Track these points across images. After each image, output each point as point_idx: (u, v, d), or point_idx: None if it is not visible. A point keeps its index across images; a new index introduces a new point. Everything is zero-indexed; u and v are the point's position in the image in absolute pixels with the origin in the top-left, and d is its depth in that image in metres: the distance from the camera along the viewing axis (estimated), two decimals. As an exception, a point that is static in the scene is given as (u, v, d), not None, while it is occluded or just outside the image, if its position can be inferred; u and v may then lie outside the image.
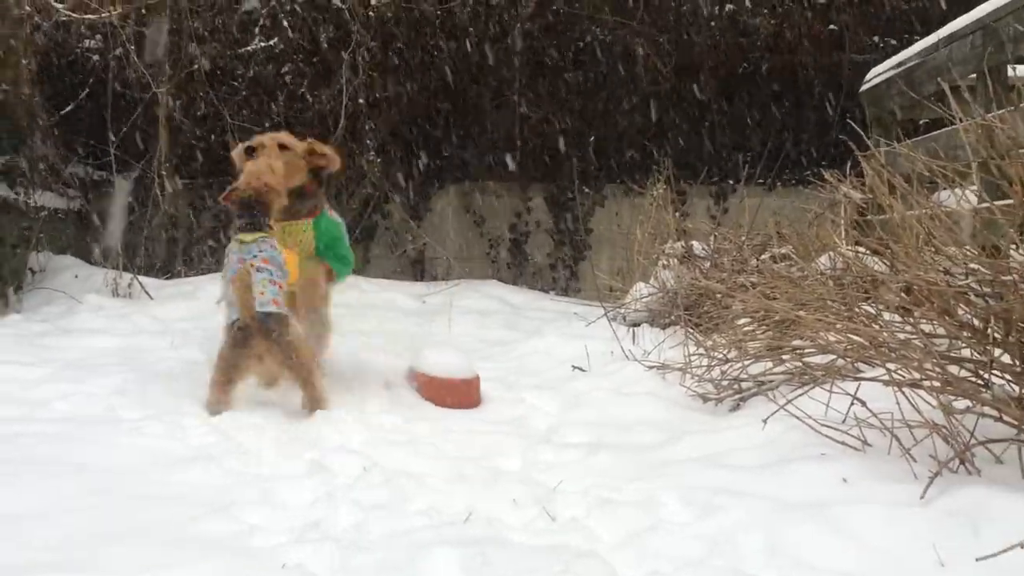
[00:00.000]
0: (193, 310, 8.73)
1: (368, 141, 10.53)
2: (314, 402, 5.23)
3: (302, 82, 10.55)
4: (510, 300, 9.81)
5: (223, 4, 10.50)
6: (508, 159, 11.25)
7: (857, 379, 4.22)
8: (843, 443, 3.94)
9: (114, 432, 4.78)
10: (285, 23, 10.45)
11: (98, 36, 10.58)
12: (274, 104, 10.64)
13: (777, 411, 4.27)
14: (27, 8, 9.12)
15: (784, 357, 5.05)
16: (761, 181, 10.91)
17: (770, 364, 5.14)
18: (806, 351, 4.91)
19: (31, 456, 4.32)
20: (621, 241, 10.13)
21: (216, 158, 10.79)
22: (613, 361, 6.31)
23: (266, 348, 5.11)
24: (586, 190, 11.18)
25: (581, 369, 6.32)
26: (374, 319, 8.58)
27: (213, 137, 10.72)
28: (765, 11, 10.97)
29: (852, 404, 4.12)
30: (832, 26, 11.02)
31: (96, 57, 10.72)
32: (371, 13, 10.43)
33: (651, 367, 5.87)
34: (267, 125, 10.52)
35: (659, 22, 11.05)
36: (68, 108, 10.64)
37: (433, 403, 5.62)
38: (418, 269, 11.17)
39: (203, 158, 10.92)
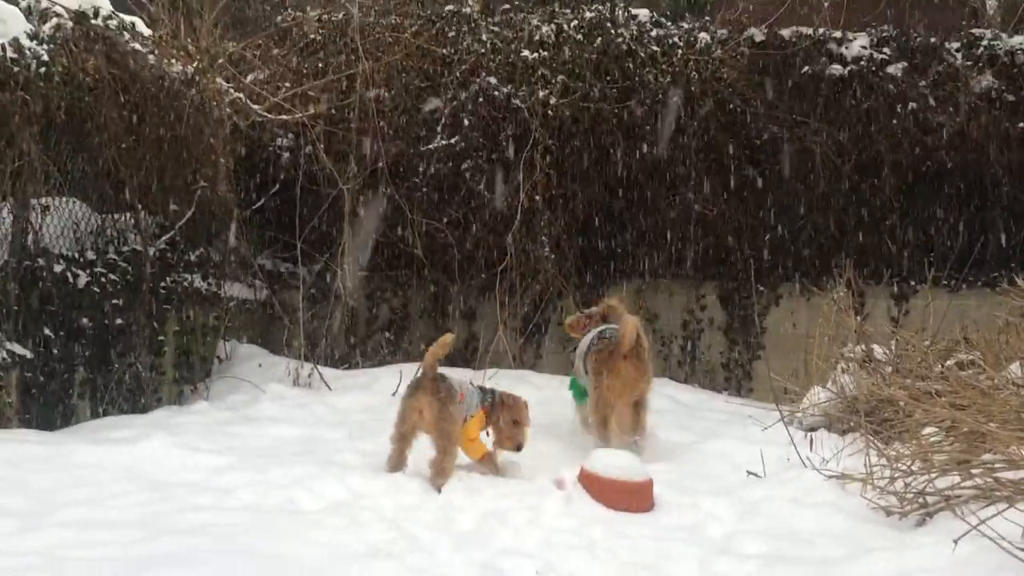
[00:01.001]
0: (369, 401, 8.93)
1: (543, 237, 10.68)
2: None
3: (480, 179, 10.81)
4: (681, 399, 9.71)
5: (407, 104, 10.90)
6: (682, 258, 11.24)
7: (1055, 499, 4.05)
8: (1042, 568, 3.77)
9: (297, 524, 4.93)
10: (466, 122, 10.77)
11: (290, 135, 11.11)
12: (452, 200, 10.92)
13: (970, 531, 4.11)
14: (227, 110, 9.65)
15: (974, 471, 4.86)
16: (946, 283, 10.61)
17: (958, 478, 4.96)
18: (997, 466, 4.73)
19: (227, 546, 4.49)
20: (797, 342, 9.94)
21: (396, 252, 11.11)
22: (790, 468, 6.18)
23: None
24: (761, 288, 11.05)
25: (757, 475, 6.21)
26: (546, 416, 8.63)
27: (394, 232, 11.05)
28: (950, 109, 10.76)
29: (1051, 527, 3.95)
30: (1022, 124, 10.73)
31: (287, 155, 11.24)
32: (549, 112, 10.65)
33: (830, 476, 5.72)
34: (445, 221, 10.80)
35: (838, 120, 10.94)
36: (259, 203, 11.16)
37: (604, 505, 5.61)
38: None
39: (384, 252, 11.26)
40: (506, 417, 6.26)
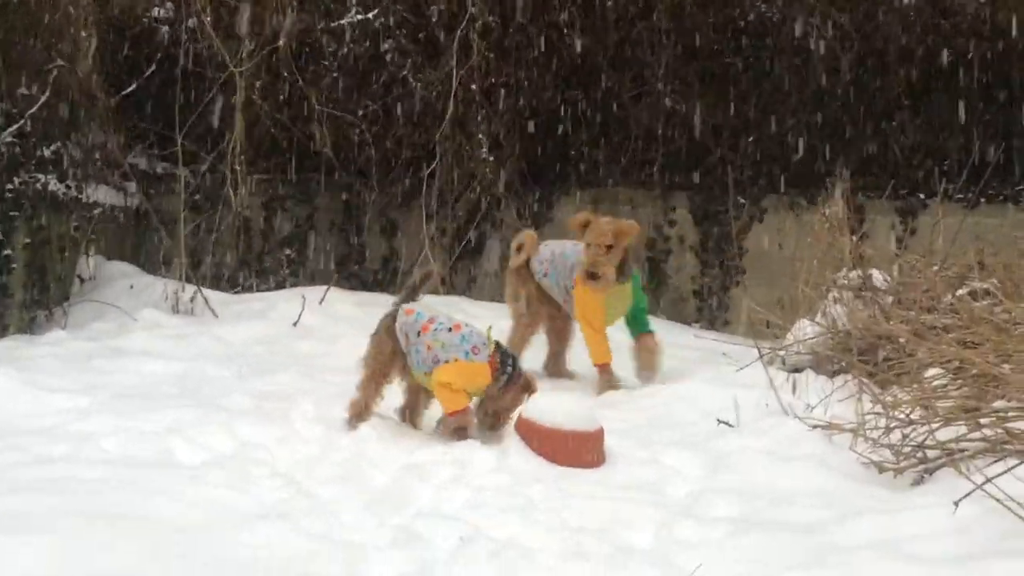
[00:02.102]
0: (264, 331, 8.95)
1: (480, 136, 10.63)
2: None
3: (404, 63, 10.69)
4: (644, 333, 9.78)
5: (314, -32, 10.75)
6: (648, 161, 11.23)
7: (1076, 455, 4.14)
8: (1056, 535, 3.87)
9: (172, 480, 4.93)
10: (387, -8, 10.64)
11: (169, 4, 10.90)
12: (369, 88, 10.81)
13: (973, 491, 4.20)
14: (89, -30, 9.45)
15: (982, 421, 4.95)
16: (960, 196, 10.71)
17: (964, 429, 5.05)
18: (1010, 415, 4.82)
19: (86, 506, 4.48)
20: (783, 266, 10.00)
21: (300, 151, 11.00)
22: (769, 415, 6.25)
23: None
24: (742, 201, 11.08)
25: (729, 424, 6.27)
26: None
27: (297, 126, 10.93)
28: (973, -14, 10.78)
29: (1068, 486, 4.04)
30: (1058, 5, 10.79)
31: (166, 28, 11.03)
32: (489, -19, 10.57)
33: (815, 425, 5.80)
34: (360, 114, 10.70)
35: (839, -1, 10.96)
36: (130, 88, 10.96)
37: (547, 460, 5.65)
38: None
39: (285, 151, 11.14)
40: (506, 400, 6.18)
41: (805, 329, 7.49)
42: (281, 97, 10.85)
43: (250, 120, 10.59)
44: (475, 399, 6.17)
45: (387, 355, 6.22)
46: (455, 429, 6.04)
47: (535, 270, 7.98)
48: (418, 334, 6.15)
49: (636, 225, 7.65)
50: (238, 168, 10.35)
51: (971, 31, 10.78)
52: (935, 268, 7.52)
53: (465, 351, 6.08)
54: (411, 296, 6.38)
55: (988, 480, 4.20)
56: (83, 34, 9.23)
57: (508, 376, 6.13)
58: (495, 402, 6.14)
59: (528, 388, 6.14)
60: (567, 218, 10.69)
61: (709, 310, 11.19)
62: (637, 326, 7.87)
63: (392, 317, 6.29)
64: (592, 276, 7.43)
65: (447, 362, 6.04)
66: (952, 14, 10.79)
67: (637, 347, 7.79)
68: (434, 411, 6.34)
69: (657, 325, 10.20)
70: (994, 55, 10.89)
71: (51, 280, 9.35)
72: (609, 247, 7.40)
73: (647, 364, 7.70)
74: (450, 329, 6.16)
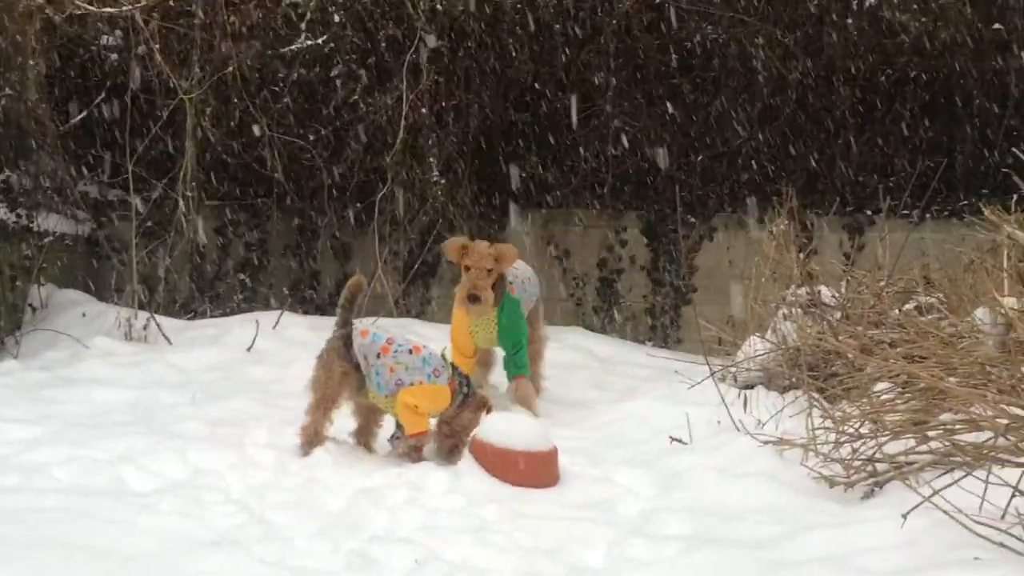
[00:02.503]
0: (218, 357, 8.89)
1: (431, 159, 10.62)
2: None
3: (355, 88, 10.67)
4: (597, 352, 9.79)
5: (263, -6, 10.72)
6: (599, 182, 11.26)
7: (1020, 465, 4.17)
8: (1002, 544, 3.89)
9: (124, 509, 4.89)
10: (336, 18, 10.61)
11: (118, 32, 10.83)
12: (320, 113, 10.79)
13: (921, 503, 4.22)
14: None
15: (930, 435, 4.99)
16: (906, 212, 10.79)
17: (912, 443, 5.09)
18: (957, 428, 4.85)
19: (38, 537, 4.43)
20: (733, 283, 10.08)
21: (252, 177, 10.96)
22: (720, 432, 6.29)
23: None
24: (691, 220, 11.13)
25: (681, 441, 6.31)
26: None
27: (248, 152, 10.89)
28: (915, 7, 10.86)
29: (1013, 496, 4.06)
30: (997, 25, 10.89)
31: (115, 56, 10.97)
32: (438, 6, 10.56)
33: (766, 441, 5.83)
34: (311, 139, 10.69)
35: (784, 19, 11.00)
36: (79, 116, 10.89)
37: (501, 480, 5.65)
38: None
39: (236, 176, 11.11)
40: (464, 419, 6.18)
41: (756, 346, 7.52)
42: (232, 123, 10.79)
43: (201, 146, 10.54)
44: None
45: (336, 378, 6.15)
46: (411, 447, 6.04)
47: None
48: (377, 356, 6.13)
49: (515, 249, 7.72)
50: (190, 194, 10.31)
51: (913, 50, 10.88)
52: (882, 283, 7.59)
53: (427, 373, 6.11)
54: (347, 315, 6.31)
55: (936, 492, 4.22)
56: (31, 62, 9.16)
57: (464, 396, 6.17)
58: (452, 422, 6.15)
59: (483, 406, 6.16)
60: (518, 239, 10.80)
61: (661, 328, 11.21)
62: (513, 366, 7.81)
63: (341, 338, 6.23)
64: (473, 299, 7.43)
65: (412, 384, 6.04)
66: (894, 34, 10.89)
67: (513, 389, 7.73)
68: (386, 430, 6.34)
69: (610, 344, 10.31)
70: (936, 73, 11.01)
71: (2, 309, 9.25)
72: (489, 271, 7.45)
73: (525, 407, 7.56)
74: (411, 351, 6.17)
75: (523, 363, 7.75)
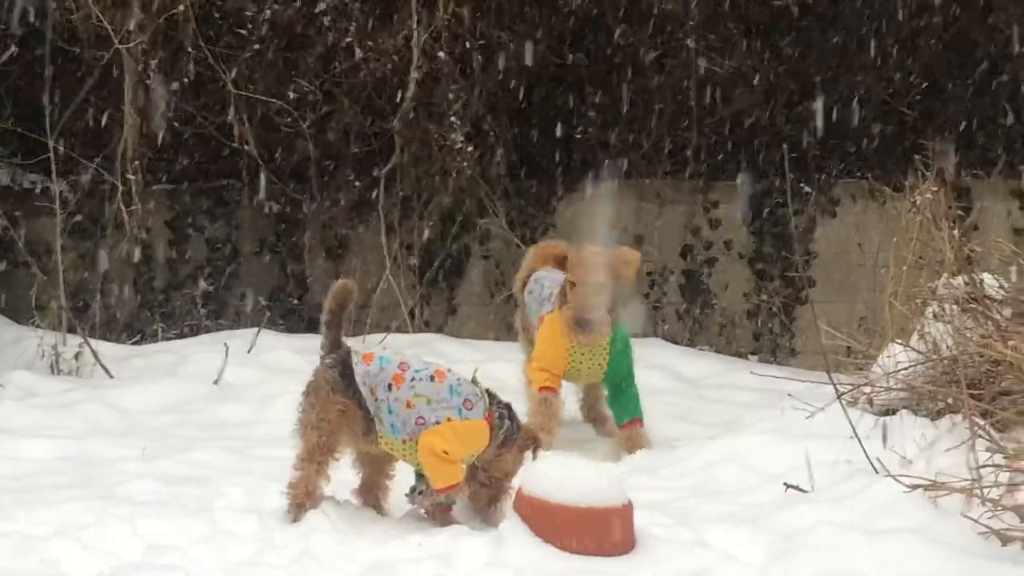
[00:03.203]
0: (176, 394, 8.94)
1: (453, 119, 10.64)
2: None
3: (348, 27, 10.70)
4: (683, 372, 9.78)
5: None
6: (679, 143, 11.25)
7: None
8: None
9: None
10: (321, -69, 10.69)
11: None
12: (303, 63, 10.82)
13: None
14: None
15: None
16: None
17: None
18: None
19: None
20: (864, 274, 10.04)
21: (214, 151, 11.02)
22: (852, 476, 6.27)
23: None
24: (806, 189, 11.11)
25: (800, 489, 6.28)
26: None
27: (208, 118, 10.94)
28: None
29: None
30: None
31: (27, -5, 11.07)
32: (456, -86, 10.60)
33: (915, 486, 5.81)
34: (292, 96, 10.72)
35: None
36: (-17, 76, 11.02)
37: (557, 547, 5.65)
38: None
39: (193, 151, 11.17)
40: (506, 463, 6.17)
41: (897, 356, 7.50)
42: (186, 80, 10.87)
43: (145, 112, 10.60)
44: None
45: (334, 418, 6.06)
46: (439, 505, 6.02)
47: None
48: (389, 387, 6.04)
49: (636, 254, 7.92)
50: (132, 177, 10.36)
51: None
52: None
53: (457, 407, 6.02)
54: (335, 334, 6.24)
55: None
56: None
57: (506, 432, 6.09)
58: (491, 468, 6.10)
59: (532, 444, 6.12)
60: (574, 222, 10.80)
61: (769, 337, 11.21)
62: (623, 408, 7.88)
63: (336, 366, 6.13)
64: (584, 324, 7.50)
65: (437, 423, 6.00)
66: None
67: (626, 439, 7.81)
68: (400, 482, 6.32)
69: (700, 360, 10.30)
70: None
71: None
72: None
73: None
74: (432, 377, 6.07)
75: (636, 402, 7.84)
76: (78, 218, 10.95)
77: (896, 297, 7.93)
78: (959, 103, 11.06)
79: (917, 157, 9.16)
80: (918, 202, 8.08)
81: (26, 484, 6.78)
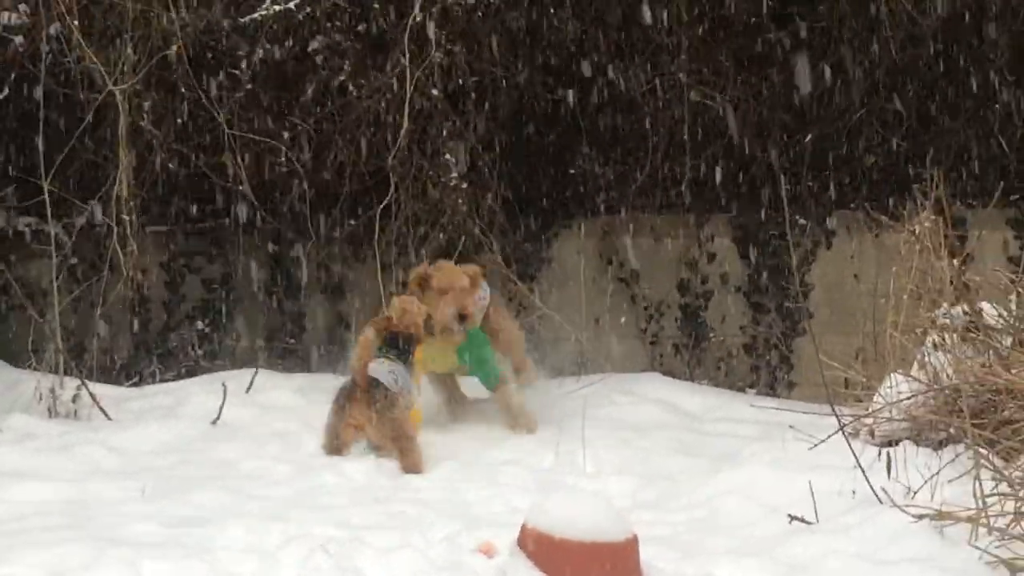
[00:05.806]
0: (175, 435, 8.90)
1: (447, 156, 10.64)
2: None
3: (341, 65, 10.71)
4: (683, 405, 9.76)
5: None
6: (673, 176, 11.24)
7: None
8: None
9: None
10: (313, -28, 10.70)
11: (23, 7, 10.89)
12: (298, 103, 10.83)
13: None
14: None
15: None
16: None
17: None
18: None
19: None
20: (862, 304, 10.02)
21: (208, 191, 11.01)
22: (856, 506, 6.26)
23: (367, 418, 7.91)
24: (802, 221, 11.09)
25: (805, 521, 6.27)
26: (467, 439, 8.66)
27: (202, 158, 10.94)
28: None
29: None
30: None
31: (19, 39, 11.02)
32: (448, -48, 10.62)
33: (920, 515, 5.80)
34: (287, 136, 10.72)
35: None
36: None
37: (561, 583, 5.64)
38: (530, 358, 11.17)
39: (188, 192, 11.16)
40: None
41: (899, 386, 7.49)
42: (179, 120, 10.86)
43: (139, 153, 10.60)
44: None
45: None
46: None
47: None
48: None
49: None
50: (126, 218, 10.35)
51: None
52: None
53: None
54: None
55: None
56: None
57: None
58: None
59: None
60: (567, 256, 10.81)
61: (767, 369, 11.19)
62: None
63: None
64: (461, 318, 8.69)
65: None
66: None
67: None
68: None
69: (699, 393, 10.29)
70: None
71: None
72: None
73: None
74: None
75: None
76: (73, 260, 10.93)
77: (895, 327, 7.92)
78: (952, 132, 11.06)
79: (913, 187, 9.18)
80: (916, 231, 8.08)
81: (23, 527, 6.74)
